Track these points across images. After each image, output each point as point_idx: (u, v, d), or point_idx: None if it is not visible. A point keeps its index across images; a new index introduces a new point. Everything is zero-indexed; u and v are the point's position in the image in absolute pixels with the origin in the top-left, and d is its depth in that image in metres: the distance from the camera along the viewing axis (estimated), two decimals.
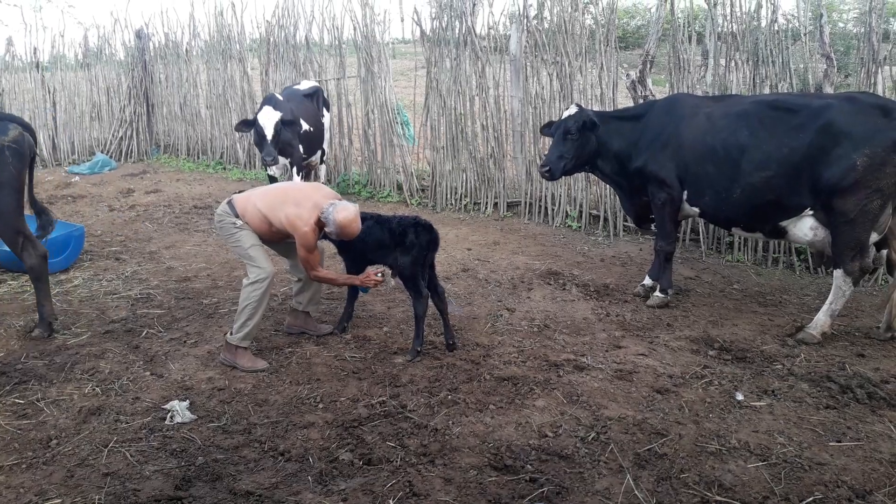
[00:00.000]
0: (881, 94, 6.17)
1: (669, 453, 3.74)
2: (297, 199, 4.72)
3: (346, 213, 4.57)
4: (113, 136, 13.15)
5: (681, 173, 5.62)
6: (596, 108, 7.98)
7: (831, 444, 3.82)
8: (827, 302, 5.16)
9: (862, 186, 4.79)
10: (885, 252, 5.24)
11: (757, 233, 5.57)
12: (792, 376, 4.58)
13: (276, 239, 4.98)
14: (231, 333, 4.82)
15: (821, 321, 5.15)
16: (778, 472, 3.56)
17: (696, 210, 5.71)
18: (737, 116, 5.38)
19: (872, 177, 4.77)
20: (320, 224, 4.66)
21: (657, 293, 5.90)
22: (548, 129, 6.33)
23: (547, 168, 6.11)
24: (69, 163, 12.75)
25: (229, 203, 4.90)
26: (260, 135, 7.64)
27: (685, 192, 5.67)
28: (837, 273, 5.04)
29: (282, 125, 7.69)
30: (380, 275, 5.01)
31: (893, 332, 5.13)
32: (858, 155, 4.77)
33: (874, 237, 5.02)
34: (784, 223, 5.28)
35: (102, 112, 13.45)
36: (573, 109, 6.09)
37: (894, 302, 5.07)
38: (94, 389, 4.51)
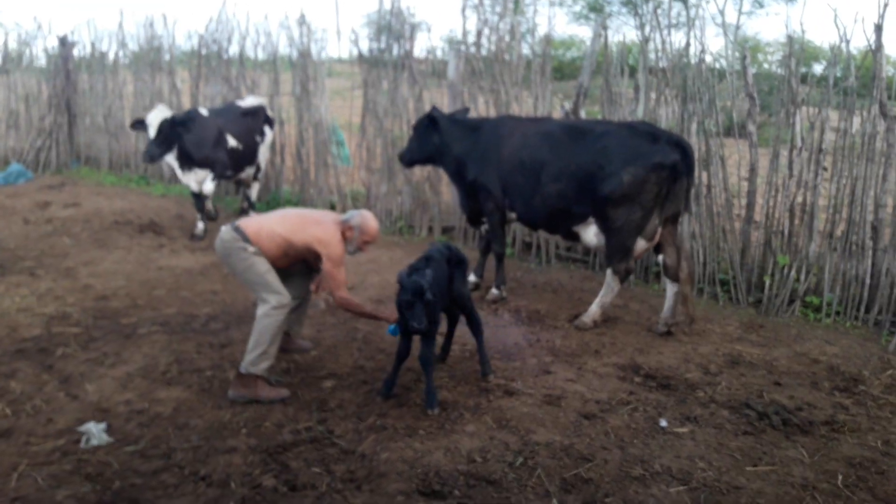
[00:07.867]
0: (798, 132, 6.51)
1: (595, 478, 3.79)
2: (316, 219, 4.85)
3: (371, 217, 4.84)
4: (30, 145, 12.56)
5: (503, 184, 6.31)
6: None
7: (748, 468, 3.94)
8: (599, 295, 6.01)
9: (627, 199, 5.56)
10: (661, 257, 6.01)
11: (557, 235, 6.31)
12: (713, 403, 4.71)
13: (286, 264, 4.84)
14: (245, 366, 4.55)
15: (593, 311, 5.98)
16: (698, 496, 3.64)
17: (514, 215, 6.42)
18: (542, 136, 6.07)
19: (635, 192, 5.53)
20: (345, 237, 4.79)
21: (493, 290, 6.63)
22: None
23: (399, 155, 7.19)
24: None
25: (236, 229, 4.68)
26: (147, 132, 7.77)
27: (507, 200, 6.36)
28: (608, 272, 5.89)
29: (171, 125, 7.73)
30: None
31: (670, 327, 5.86)
32: (625, 173, 5.52)
33: (643, 244, 5.78)
34: (575, 228, 6.02)
35: (20, 120, 12.87)
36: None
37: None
38: (3, 410, 4.27)
